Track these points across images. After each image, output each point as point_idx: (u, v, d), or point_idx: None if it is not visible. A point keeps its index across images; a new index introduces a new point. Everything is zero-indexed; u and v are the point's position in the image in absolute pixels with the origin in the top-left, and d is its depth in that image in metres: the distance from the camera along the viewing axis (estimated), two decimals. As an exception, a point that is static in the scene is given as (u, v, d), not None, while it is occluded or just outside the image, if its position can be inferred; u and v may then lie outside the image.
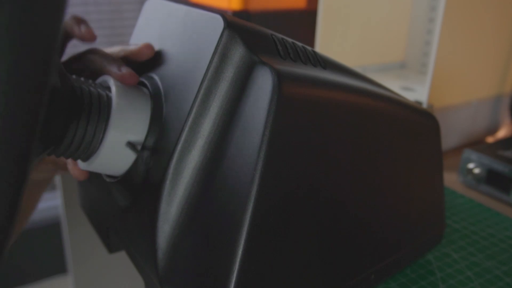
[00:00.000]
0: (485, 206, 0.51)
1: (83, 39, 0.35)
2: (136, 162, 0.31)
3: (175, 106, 0.30)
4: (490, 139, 0.71)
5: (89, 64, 0.34)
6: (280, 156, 0.27)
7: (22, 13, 0.17)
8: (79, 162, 0.34)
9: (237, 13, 0.73)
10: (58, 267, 1.52)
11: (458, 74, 0.62)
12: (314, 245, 0.30)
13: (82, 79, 0.31)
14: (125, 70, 0.32)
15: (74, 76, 0.31)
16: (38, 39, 0.18)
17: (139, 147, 0.31)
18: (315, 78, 0.29)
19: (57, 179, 0.74)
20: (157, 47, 0.35)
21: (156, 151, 0.31)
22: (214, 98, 0.28)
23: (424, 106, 0.58)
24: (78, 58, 0.35)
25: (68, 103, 0.29)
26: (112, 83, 0.31)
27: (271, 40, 0.30)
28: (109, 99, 0.31)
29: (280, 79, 0.26)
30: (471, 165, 0.54)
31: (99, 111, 0.30)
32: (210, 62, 0.28)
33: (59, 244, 1.40)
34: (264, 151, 0.26)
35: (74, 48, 0.39)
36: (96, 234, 0.42)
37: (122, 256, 0.39)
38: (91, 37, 0.36)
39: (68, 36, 0.36)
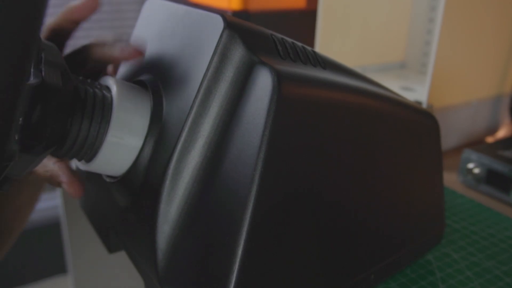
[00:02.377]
0: (485, 206, 0.51)
1: (86, 10, 0.34)
2: (136, 162, 0.31)
3: (175, 106, 0.30)
4: (490, 139, 0.71)
5: (90, 56, 0.34)
6: (280, 156, 0.27)
7: None
8: (78, 162, 0.34)
9: (237, 13, 0.73)
10: (58, 267, 1.52)
11: (458, 74, 0.62)
12: (314, 245, 0.30)
13: (88, 80, 0.31)
14: (127, 48, 0.32)
15: (80, 78, 0.31)
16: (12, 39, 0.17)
17: (139, 147, 0.31)
18: (315, 78, 0.29)
19: (57, 179, 0.74)
20: (157, 47, 0.35)
21: (156, 151, 0.31)
22: (214, 98, 0.28)
23: (424, 106, 0.58)
24: (77, 53, 0.35)
25: (71, 104, 0.29)
26: (112, 83, 0.31)
27: (271, 40, 0.30)
28: (109, 100, 0.31)
29: (280, 79, 0.26)
30: (471, 165, 0.54)
31: (102, 112, 0.30)
32: (210, 62, 0.28)
33: (59, 244, 1.40)
34: (264, 151, 0.26)
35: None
36: (96, 234, 0.42)
37: (122, 256, 0.39)
38: (94, 4, 0.34)
39: (72, 23, 0.36)
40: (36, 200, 0.48)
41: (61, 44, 0.37)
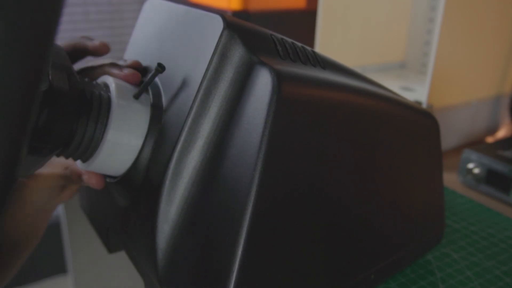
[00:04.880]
0: (485, 206, 0.51)
1: (97, 52, 0.35)
2: (136, 162, 0.31)
3: (175, 106, 0.30)
4: (490, 139, 0.71)
5: (89, 74, 0.34)
6: (280, 156, 0.27)
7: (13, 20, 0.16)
8: (79, 162, 0.34)
9: (236, 13, 0.73)
10: (58, 267, 1.52)
11: (458, 74, 0.62)
12: (314, 245, 0.30)
13: (94, 82, 0.32)
14: (127, 70, 0.33)
15: (86, 80, 0.31)
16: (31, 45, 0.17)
17: (139, 147, 0.31)
18: (314, 78, 0.29)
19: (57, 179, 0.74)
20: (156, 47, 0.35)
21: (156, 151, 0.31)
22: (213, 98, 0.28)
23: (424, 106, 0.58)
24: (81, 72, 0.35)
25: (77, 106, 0.29)
26: (111, 84, 0.31)
27: (271, 40, 0.30)
28: (109, 100, 0.31)
29: (280, 79, 0.26)
30: (471, 165, 0.54)
31: (107, 114, 0.30)
32: (210, 62, 0.28)
33: (59, 244, 1.40)
34: (264, 151, 0.26)
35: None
36: (96, 234, 0.42)
37: (122, 256, 0.39)
38: (105, 49, 0.35)
39: (81, 54, 0.37)
40: (51, 211, 0.46)
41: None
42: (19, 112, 0.18)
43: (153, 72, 0.30)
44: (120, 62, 0.34)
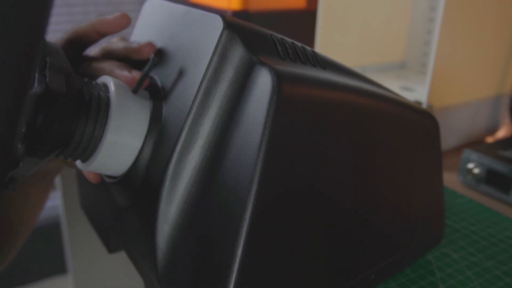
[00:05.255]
0: (485, 206, 0.51)
1: (118, 26, 0.34)
2: (135, 163, 0.31)
3: (174, 106, 0.30)
4: (490, 139, 0.71)
5: (98, 73, 0.34)
6: (280, 156, 0.27)
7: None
8: (79, 162, 0.34)
9: (236, 13, 0.73)
10: (58, 267, 1.52)
11: (458, 74, 0.62)
12: (314, 245, 0.30)
13: (93, 82, 0.31)
14: (135, 73, 0.32)
15: (85, 80, 0.31)
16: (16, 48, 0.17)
17: (138, 148, 0.31)
18: (314, 79, 0.29)
19: (57, 179, 0.74)
20: (156, 47, 0.35)
21: (155, 152, 0.31)
22: (213, 98, 0.28)
23: (424, 106, 0.58)
24: (88, 62, 0.35)
25: (75, 108, 0.29)
26: (111, 84, 0.31)
27: (271, 41, 0.30)
28: (108, 100, 0.31)
29: (280, 79, 0.26)
30: (471, 165, 0.54)
31: (107, 115, 0.30)
32: (210, 62, 0.28)
33: (59, 244, 1.40)
34: (264, 151, 0.26)
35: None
36: (96, 234, 0.42)
37: (122, 256, 0.39)
38: (126, 21, 0.34)
39: (99, 35, 0.36)
40: (47, 195, 0.48)
41: (81, 49, 0.37)
42: (5, 116, 0.18)
43: (150, 63, 0.30)
44: (134, 45, 0.34)
